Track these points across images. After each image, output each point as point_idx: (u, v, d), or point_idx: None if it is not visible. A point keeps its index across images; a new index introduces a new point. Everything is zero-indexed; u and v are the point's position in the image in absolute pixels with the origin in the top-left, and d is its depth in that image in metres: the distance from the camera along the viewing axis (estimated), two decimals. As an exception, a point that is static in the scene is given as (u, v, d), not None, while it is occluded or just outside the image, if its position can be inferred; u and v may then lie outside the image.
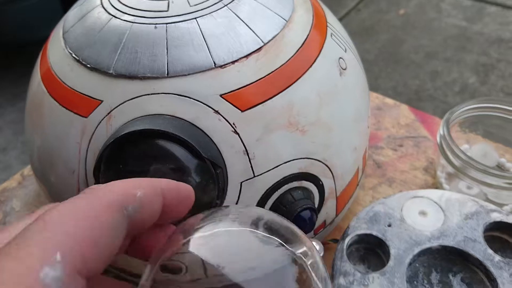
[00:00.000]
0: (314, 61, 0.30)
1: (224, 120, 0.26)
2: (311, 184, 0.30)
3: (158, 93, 0.26)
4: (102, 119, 0.27)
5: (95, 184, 0.26)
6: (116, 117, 0.27)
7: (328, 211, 0.33)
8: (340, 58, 0.32)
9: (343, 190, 0.33)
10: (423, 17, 1.71)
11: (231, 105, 0.26)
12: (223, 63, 0.27)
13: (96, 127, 0.27)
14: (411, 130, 0.46)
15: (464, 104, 0.39)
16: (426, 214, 0.32)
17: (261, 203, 0.28)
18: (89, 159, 0.28)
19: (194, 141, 0.25)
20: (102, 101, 0.27)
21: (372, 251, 0.32)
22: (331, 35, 0.32)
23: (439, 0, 1.79)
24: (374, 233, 0.31)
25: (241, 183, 0.27)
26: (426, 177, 0.42)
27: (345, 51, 0.33)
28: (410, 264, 0.30)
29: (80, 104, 0.28)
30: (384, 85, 1.44)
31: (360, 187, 0.41)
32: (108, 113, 0.27)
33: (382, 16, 1.75)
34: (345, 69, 0.32)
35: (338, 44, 0.32)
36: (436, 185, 0.41)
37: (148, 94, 0.26)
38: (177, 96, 0.26)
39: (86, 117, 0.28)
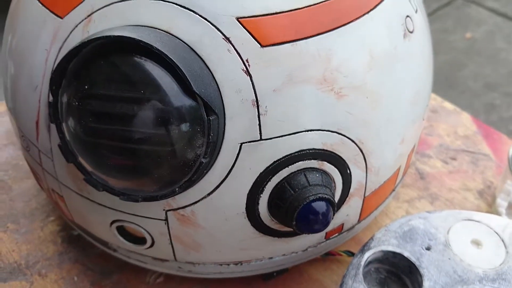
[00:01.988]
0: (375, 7, 0.22)
1: (235, 52, 0.19)
2: (335, 169, 0.22)
3: (156, -1, 0.19)
4: (80, 23, 0.20)
5: (52, 102, 0.20)
6: (96, 22, 0.20)
7: (349, 212, 0.25)
8: (408, 16, 0.24)
9: (375, 190, 0.25)
10: (491, 45, 1.58)
11: (249, 34, 0.19)
12: (250, -23, 0.20)
13: (71, 32, 0.21)
14: (469, 143, 0.37)
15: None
16: (481, 245, 0.24)
17: (263, 177, 0.21)
18: (54, 73, 0.21)
19: (186, 68, 0.18)
20: (84, -1, 0.21)
21: (397, 277, 0.24)
22: (403, -14, 0.24)
23: (512, 31, 1.64)
24: (406, 253, 0.23)
25: (241, 144, 0.20)
26: (479, 202, 0.33)
27: (416, 11, 0.25)
28: (447, 306, 0.21)
29: (59, 0, 0.21)
30: (433, 108, 1.32)
31: (394, 196, 0.33)
32: (88, 16, 0.20)
33: (446, 36, 1.63)
34: (411, 32, 0.24)
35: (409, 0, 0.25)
36: (491, 216, 0.32)
37: (143, -1, 0.20)
38: (178, 7, 0.19)
39: (62, 17, 0.21)
